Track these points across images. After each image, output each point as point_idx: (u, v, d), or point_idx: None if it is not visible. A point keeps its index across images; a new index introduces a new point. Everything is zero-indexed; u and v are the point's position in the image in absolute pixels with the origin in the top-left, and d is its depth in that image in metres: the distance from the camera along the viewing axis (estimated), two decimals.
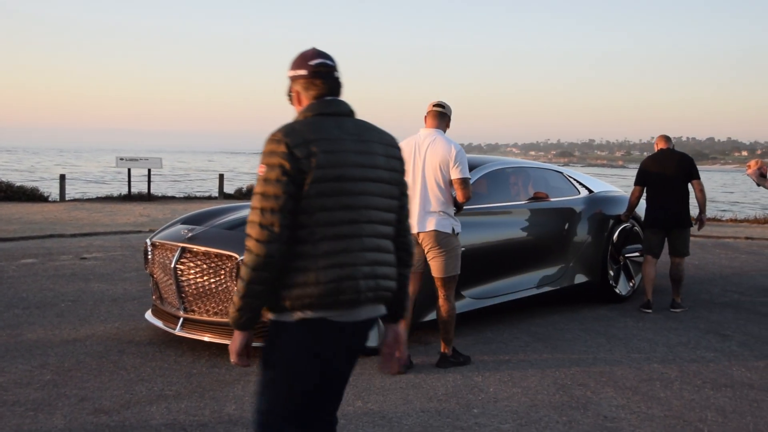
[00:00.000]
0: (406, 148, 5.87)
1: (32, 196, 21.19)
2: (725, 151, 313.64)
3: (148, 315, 6.69)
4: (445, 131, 6.02)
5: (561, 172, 8.94)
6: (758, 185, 8.70)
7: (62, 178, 22.12)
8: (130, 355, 6.08)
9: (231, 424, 4.70)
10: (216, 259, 5.94)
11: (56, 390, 5.27)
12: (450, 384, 5.56)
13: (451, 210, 5.87)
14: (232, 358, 2.86)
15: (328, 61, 2.94)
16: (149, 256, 6.53)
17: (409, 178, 5.67)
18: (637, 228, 8.97)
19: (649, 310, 8.38)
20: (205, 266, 5.97)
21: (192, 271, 6.05)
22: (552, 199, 8.20)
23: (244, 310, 2.76)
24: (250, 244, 2.77)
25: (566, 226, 8.23)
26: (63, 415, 4.79)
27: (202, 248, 6.01)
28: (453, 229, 5.83)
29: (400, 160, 2.99)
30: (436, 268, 5.85)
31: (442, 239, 5.78)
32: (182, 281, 6.10)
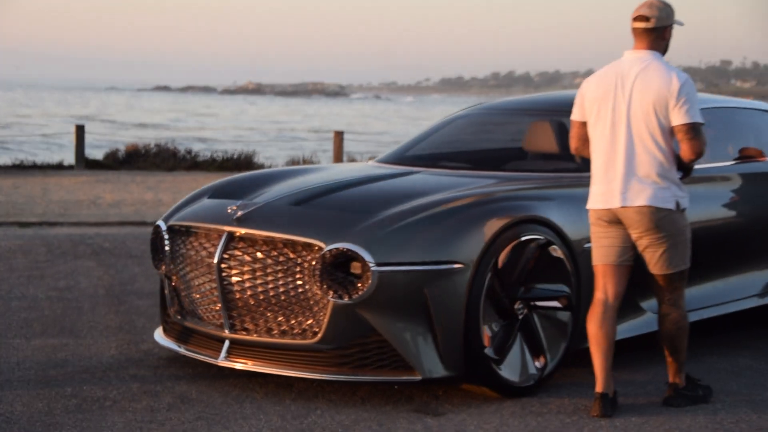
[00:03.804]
0: (603, 81, 4.49)
1: None
2: None
3: (159, 335, 5.28)
4: (663, 52, 4.49)
5: None
6: None
7: None
8: None
9: None
10: (286, 250, 4.62)
11: None
12: None
13: (674, 173, 4.39)
14: None
15: None
16: (165, 248, 5.10)
17: (607, 124, 4.42)
18: None
19: None
20: (269, 260, 4.64)
21: (247, 269, 4.68)
22: None
23: None
24: None
25: None
26: None
27: (263, 233, 4.66)
28: (677, 204, 4.37)
29: None
30: (653, 261, 4.42)
31: (661, 219, 4.34)
32: (230, 284, 4.71)
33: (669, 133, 4.37)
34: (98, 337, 5.50)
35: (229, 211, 4.86)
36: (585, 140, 4.56)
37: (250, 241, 4.73)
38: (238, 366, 4.69)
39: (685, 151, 4.33)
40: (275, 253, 4.64)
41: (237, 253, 4.71)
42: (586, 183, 5.04)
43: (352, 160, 17.33)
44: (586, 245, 4.79)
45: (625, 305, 4.79)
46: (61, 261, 7.93)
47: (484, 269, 4.53)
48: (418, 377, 4.43)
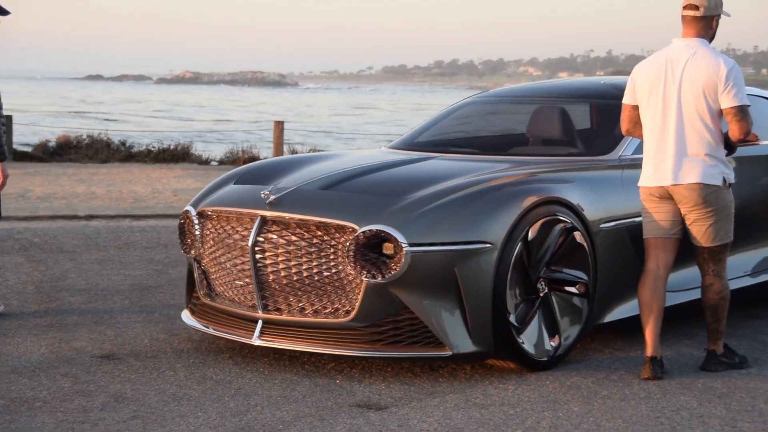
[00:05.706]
0: (654, 67, 4.77)
1: None
2: None
3: (187, 317, 5.37)
4: (710, 40, 4.76)
5: None
6: None
7: None
8: None
9: None
10: (320, 232, 4.76)
11: None
12: None
13: (721, 152, 4.69)
14: None
15: None
16: (196, 232, 5.18)
17: (658, 107, 4.70)
18: None
19: None
20: (303, 242, 4.77)
21: (280, 251, 4.81)
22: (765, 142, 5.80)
23: None
24: None
25: None
26: None
27: (297, 216, 4.77)
28: (724, 180, 4.67)
29: None
30: (699, 234, 4.70)
31: (708, 195, 4.63)
32: (263, 266, 4.83)
33: (717, 114, 4.62)
34: (27, 336, 5.24)
35: (262, 195, 4.94)
36: (636, 123, 4.81)
37: (283, 225, 4.82)
38: (270, 344, 4.77)
39: (734, 131, 4.58)
40: (308, 236, 4.74)
41: (270, 236, 4.82)
42: (598, 166, 5.41)
43: (294, 152, 17.01)
44: (602, 225, 5.05)
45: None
46: None
47: (511, 248, 4.66)
48: (449, 353, 4.54)
